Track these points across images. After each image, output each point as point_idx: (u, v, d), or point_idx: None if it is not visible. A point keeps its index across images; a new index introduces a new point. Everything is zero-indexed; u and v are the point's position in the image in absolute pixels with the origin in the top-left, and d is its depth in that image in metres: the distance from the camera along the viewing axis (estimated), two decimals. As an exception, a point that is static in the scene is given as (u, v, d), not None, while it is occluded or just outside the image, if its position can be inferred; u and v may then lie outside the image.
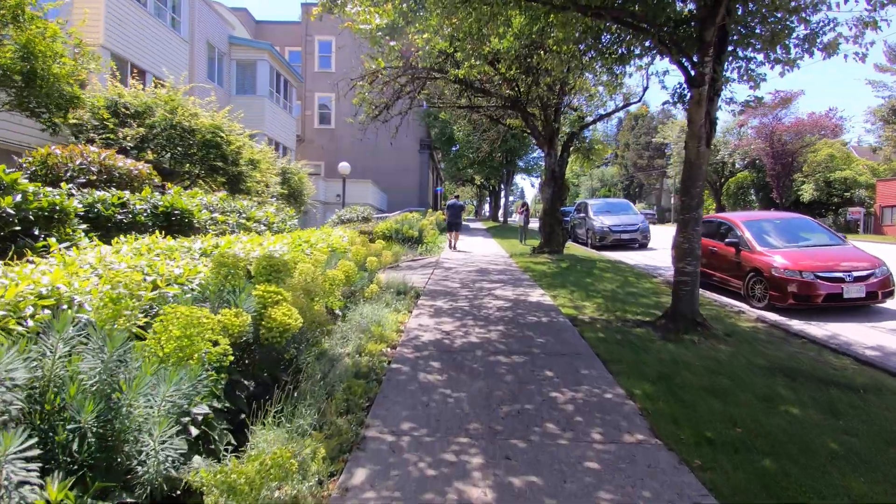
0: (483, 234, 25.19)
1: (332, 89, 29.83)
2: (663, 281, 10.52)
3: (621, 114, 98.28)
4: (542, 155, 31.15)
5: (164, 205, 6.13)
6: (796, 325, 7.22)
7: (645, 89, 12.87)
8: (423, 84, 13.19)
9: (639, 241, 17.75)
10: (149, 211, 6.01)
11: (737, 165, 48.23)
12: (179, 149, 9.37)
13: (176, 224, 6.18)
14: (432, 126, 29.43)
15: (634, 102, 13.19)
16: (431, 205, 34.97)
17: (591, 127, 14.55)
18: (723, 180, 50.52)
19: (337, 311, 5.91)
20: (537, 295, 8.00)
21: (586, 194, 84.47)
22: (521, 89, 12.63)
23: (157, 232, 4.85)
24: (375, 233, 13.99)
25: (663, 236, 22.28)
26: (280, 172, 16.07)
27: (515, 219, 16.98)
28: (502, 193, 46.08)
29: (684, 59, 5.91)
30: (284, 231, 8.50)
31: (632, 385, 4.18)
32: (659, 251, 17.49)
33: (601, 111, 14.08)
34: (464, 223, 23.13)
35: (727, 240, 8.97)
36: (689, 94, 6.13)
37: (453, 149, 30.86)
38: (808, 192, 42.20)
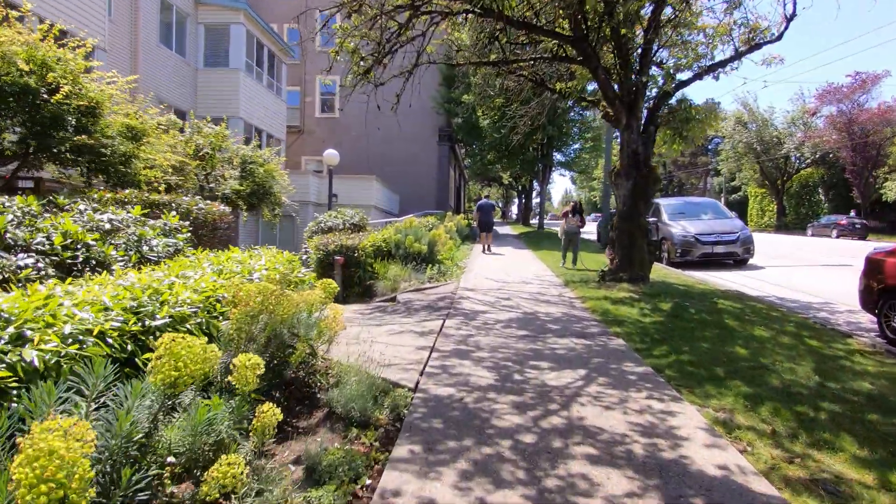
0: (515, 243, 20.37)
1: (336, 71, 25.54)
2: (879, 347, 5.61)
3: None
4: (579, 147, 26.00)
5: None
6: None
7: (790, 18, 7.80)
8: (432, 22, 8.57)
9: (738, 256, 12.74)
10: None
11: (806, 161, 42.03)
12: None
13: None
14: (453, 113, 24.81)
15: (768, 41, 8.29)
16: (453, 207, 30.32)
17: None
18: (785, 178, 44.38)
19: None
20: (693, 429, 3.21)
21: (598, 197, 77.43)
22: (590, 21, 7.89)
23: None
24: (362, 249, 9.41)
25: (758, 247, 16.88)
26: (241, 162, 11.66)
27: (561, 224, 11.92)
28: (534, 193, 41.14)
29: None
30: (113, 266, 3.95)
31: None
32: (767, 270, 12.46)
33: (702, 63, 9.19)
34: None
35: None
36: None
37: (474, 145, 26.15)
38: (892, 191, 35.98)
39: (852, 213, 38.27)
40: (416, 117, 24.91)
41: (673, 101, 9.33)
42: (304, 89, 25.50)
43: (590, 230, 24.84)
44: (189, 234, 5.30)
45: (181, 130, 11.49)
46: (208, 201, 8.23)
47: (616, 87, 8.54)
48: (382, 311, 7.44)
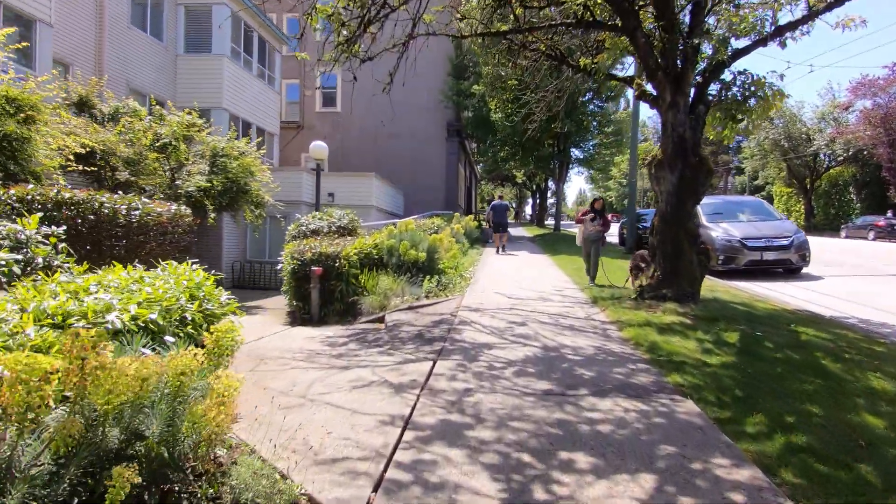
0: (530, 247, 18.62)
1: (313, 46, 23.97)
2: None
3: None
4: (598, 142, 23.76)
5: None
6: None
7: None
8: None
9: (792, 264, 10.89)
10: None
11: (838, 158, 39.49)
12: None
13: None
14: (463, 106, 23.11)
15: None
16: (463, 207, 28.63)
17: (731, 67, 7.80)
18: (814, 176, 41.88)
19: None
20: None
21: (614, 197, 73.71)
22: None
23: None
24: (345, 257, 7.79)
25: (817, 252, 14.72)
26: (212, 155, 10.09)
27: (579, 228, 9.70)
28: (549, 193, 39.39)
29: None
30: None
31: None
32: (826, 281, 10.58)
33: (761, 29, 7.42)
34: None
35: None
36: None
37: (486, 140, 24.36)
38: (933, 190, 33.48)
39: (889, 214, 35.84)
40: (423, 111, 23.31)
41: (726, 75, 7.55)
42: (304, 82, 23.99)
43: (611, 232, 22.81)
44: (62, 245, 3.67)
45: (143, 120, 9.97)
46: (147, 200, 6.65)
47: (658, 55, 6.81)
48: (360, 339, 5.80)
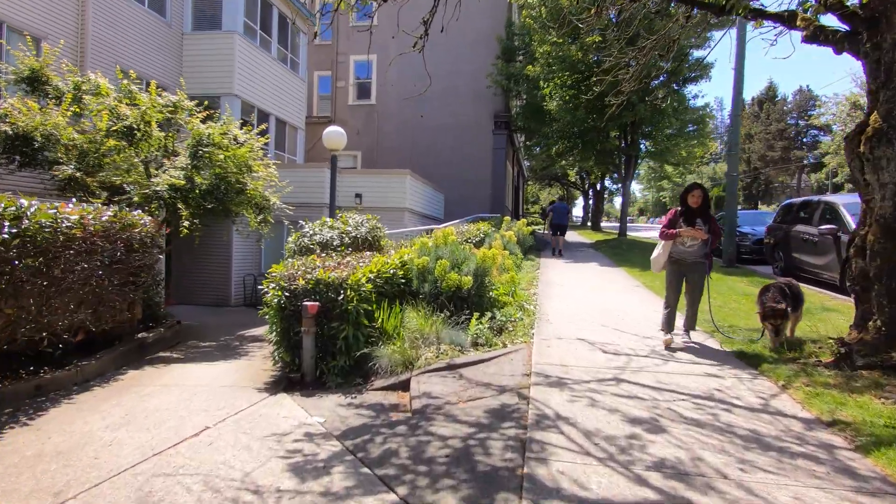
0: (595, 256, 15.54)
1: (373, 49, 21.65)
2: None
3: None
4: (673, 132, 19.73)
5: None
6: None
7: None
8: None
9: None
10: None
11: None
12: None
13: None
14: (513, 92, 20.27)
15: None
16: (511, 209, 25.76)
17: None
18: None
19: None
20: None
21: (668, 198, 67.00)
22: None
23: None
24: (354, 286, 5.20)
25: None
26: (193, 144, 7.76)
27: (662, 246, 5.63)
28: (605, 193, 35.85)
29: None
30: None
31: None
32: None
33: None
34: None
35: None
36: None
37: (537, 135, 21.41)
38: None
39: None
40: (467, 101, 20.71)
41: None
42: (336, 73, 21.82)
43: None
44: None
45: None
46: (44, 203, 4.29)
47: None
48: (361, 448, 3.19)
